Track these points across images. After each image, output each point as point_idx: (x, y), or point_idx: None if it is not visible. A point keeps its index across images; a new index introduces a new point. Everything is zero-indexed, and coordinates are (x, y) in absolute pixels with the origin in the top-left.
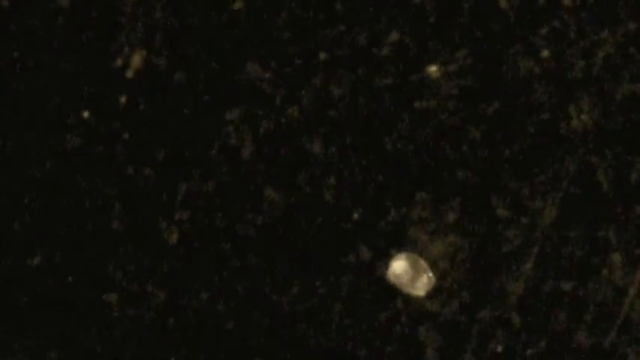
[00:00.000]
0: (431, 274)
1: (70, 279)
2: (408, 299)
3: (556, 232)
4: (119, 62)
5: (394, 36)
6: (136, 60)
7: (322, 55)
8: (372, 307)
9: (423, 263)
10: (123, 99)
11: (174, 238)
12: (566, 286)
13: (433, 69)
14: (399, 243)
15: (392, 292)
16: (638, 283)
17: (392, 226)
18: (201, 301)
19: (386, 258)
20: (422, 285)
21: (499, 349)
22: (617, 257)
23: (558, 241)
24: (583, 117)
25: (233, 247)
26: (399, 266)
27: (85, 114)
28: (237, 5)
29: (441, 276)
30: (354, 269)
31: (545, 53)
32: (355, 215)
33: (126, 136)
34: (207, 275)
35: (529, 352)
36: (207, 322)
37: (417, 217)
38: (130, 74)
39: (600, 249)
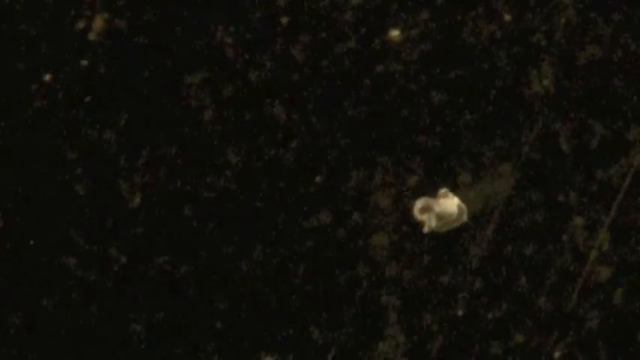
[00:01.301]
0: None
1: (31, 242)
2: (369, 263)
3: (517, 196)
4: (81, 25)
5: (356, 0)
6: (98, 23)
7: (284, 20)
8: (334, 271)
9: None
10: (84, 62)
11: (135, 201)
12: (527, 250)
13: (395, 33)
14: (360, 207)
15: (353, 256)
16: (598, 248)
17: (354, 190)
18: (162, 265)
19: (347, 222)
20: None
21: (460, 312)
22: (578, 221)
23: (519, 206)
24: (544, 82)
25: (194, 210)
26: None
27: (47, 77)
28: None
29: (401, 239)
30: (315, 233)
31: (507, 17)
32: (317, 179)
33: (88, 99)
34: (169, 238)
35: (490, 315)
36: (167, 286)
37: (378, 182)
38: (92, 37)
39: (561, 213)
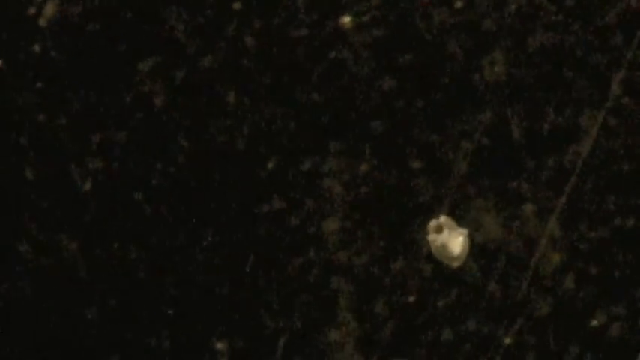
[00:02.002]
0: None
1: None
2: (321, 249)
3: (468, 183)
4: (32, 10)
5: None
6: (50, 8)
7: (236, 5)
8: (285, 257)
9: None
10: (36, 48)
11: (87, 187)
12: (478, 237)
13: (346, 20)
14: (312, 193)
15: (305, 242)
16: (549, 235)
17: (305, 177)
18: (114, 251)
19: (299, 208)
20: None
21: (411, 299)
22: (528, 208)
23: (470, 193)
24: (496, 68)
25: (146, 196)
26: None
27: None
28: None
29: (353, 226)
30: (267, 219)
31: (458, 4)
32: (269, 165)
33: (39, 85)
34: (121, 224)
35: (441, 302)
36: (119, 272)
37: (330, 168)
38: (43, 22)
39: (512, 200)
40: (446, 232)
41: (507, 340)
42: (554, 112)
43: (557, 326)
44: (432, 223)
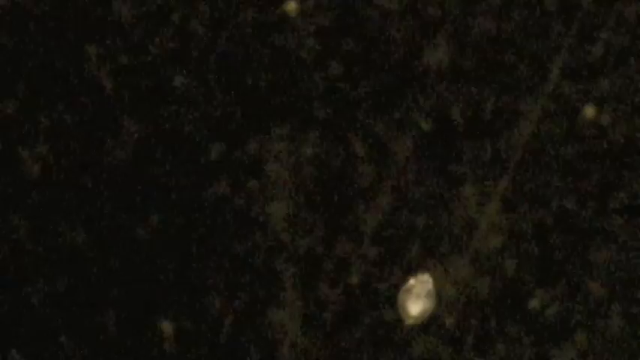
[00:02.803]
0: None
1: None
2: (266, 232)
3: (410, 167)
4: None
5: None
6: None
7: None
8: (230, 239)
9: None
10: None
11: (35, 170)
12: (420, 220)
13: (291, 6)
14: (257, 177)
15: (250, 224)
16: (489, 217)
17: (250, 160)
18: (62, 233)
19: (244, 191)
20: None
21: (355, 280)
22: (469, 191)
23: (412, 176)
24: (438, 53)
25: (93, 179)
26: None
27: None
28: None
29: (297, 209)
30: (212, 202)
31: None
32: (214, 149)
33: None
34: (68, 207)
35: (385, 283)
36: (66, 254)
37: (275, 152)
38: None
39: (453, 183)
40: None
41: (447, 322)
42: (495, 96)
43: (497, 308)
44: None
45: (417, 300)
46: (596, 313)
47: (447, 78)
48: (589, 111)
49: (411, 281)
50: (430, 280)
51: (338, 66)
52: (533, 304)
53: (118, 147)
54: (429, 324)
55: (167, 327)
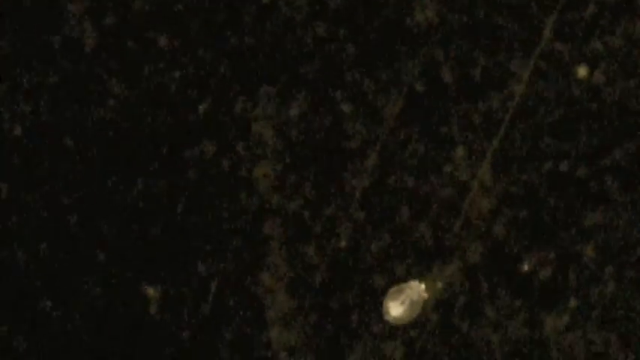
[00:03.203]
0: None
1: None
2: (252, 194)
3: (399, 127)
4: None
5: None
6: None
7: None
8: (217, 201)
9: None
10: None
11: (17, 131)
12: (410, 181)
13: None
14: (243, 137)
15: (236, 186)
16: (480, 179)
17: (237, 121)
18: (44, 195)
19: (231, 152)
20: None
21: (343, 244)
22: (460, 153)
23: (402, 137)
24: (427, 12)
25: (76, 141)
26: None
27: None
28: None
29: (284, 170)
30: (198, 163)
31: None
32: (200, 109)
33: None
34: (50, 169)
35: (373, 246)
36: (50, 216)
37: (261, 112)
38: None
39: (443, 145)
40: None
41: (438, 285)
42: (486, 56)
43: (488, 271)
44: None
45: (403, 304)
46: (589, 278)
47: (437, 37)
48: (582, 71)
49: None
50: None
51: (325, 25)
52: (525, 268)
53: (101, 107)
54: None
55: (153, 292)
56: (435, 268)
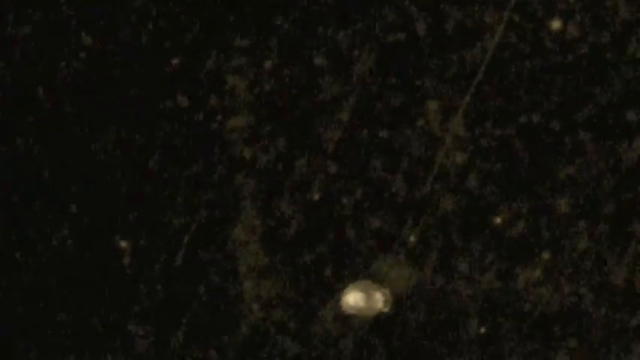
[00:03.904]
0: None
1: None
2: (225, 147)
3: (373, 80)
4: None
5: None
6: None
7: None
8: (189, 155)
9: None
10: None
11: None
12: (383, 134)
13: None
14: (216, 90)
15: (209, 139)
16: (453, 132)
17: (210, 74)
18: (16, 147)
19: (203, 105)
20: None
21: (316, 197)
22: (433, 106)
23: (375, 90)
24: None
25: (49, 92)
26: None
27: None
28: None
29: (257, 123)
30: (171, 116)
31: None
32: (173, 61)
33: None
34: (23, 121)
35: (345, 200)
36: (22, 168)
37: (235, 65)
38: None
39: (416, 98)
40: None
41: (411, 238)
42: (459, 8)
43: (461, 224)
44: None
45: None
46: (561, 231)
47: None
48: (555, 24)
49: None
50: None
51: None
52: (498, 221)
53: (73, 59)
54: (391, 244)
55: (125, 244)
56: (408, 221)
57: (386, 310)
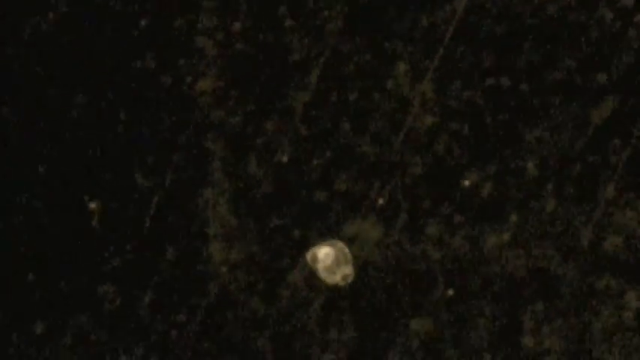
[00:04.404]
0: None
1: None
2: (194, 108)
3: (342, 41)
4: None
5: None
6: None
7: None
8: (158, 117)
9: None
10: None
11: None
12: (352, 96)
13: None
14: (185, 52)
15: (178, 101)
16: (422, 95)
17: (178, 36)
18: None
19: (173, 67)
20: None
21: (285, 159)
22: (402, 68)
23: (344, 51)
24: None
25: (17, 53)
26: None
27: None
28: None
29: (226, 85)
30: (140, 77)
31: None
32: (142, 23)
33: None
34: None
35: (315, 162)
36: None
37: (204, 26)
38: None
39: (386, 59)
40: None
41: (380, 201)
42: None
43: (430, 187)
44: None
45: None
46: (529, 194)
47: None
48: None
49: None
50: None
51: None
52: (466, 183)
53: (43, 20)
54: (360, 206)
55: (93, 206)
56: (376, 184)
57: (353, 271)
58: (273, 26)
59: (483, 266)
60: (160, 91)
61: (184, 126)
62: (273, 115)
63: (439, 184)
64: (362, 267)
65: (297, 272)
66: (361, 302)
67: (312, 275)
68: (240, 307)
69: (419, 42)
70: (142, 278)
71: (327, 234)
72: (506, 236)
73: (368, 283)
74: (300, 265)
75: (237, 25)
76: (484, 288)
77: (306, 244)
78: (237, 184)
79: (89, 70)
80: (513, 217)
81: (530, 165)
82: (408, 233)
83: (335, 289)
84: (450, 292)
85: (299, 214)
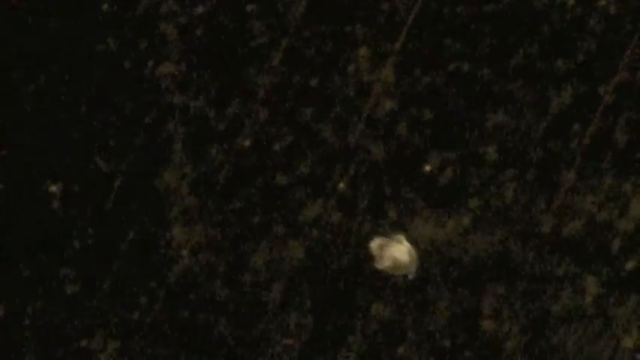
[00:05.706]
0: None
1: None
2: (156, 91)
3: (304, 26)
4: None
5: None
6: None
7: None
8: (119, 100)
9: None
10: None
11: None
12: (313, 81)
13: None
14: (147, 35)
15: (140, 84)
16: (383, 80)
17: (140, 19)
18: None
19: (135, 51)
20: None
21: (246, 143)
22: (363, 52)
23: (306, 36)
24: None
25: None
26: None
27: None
28: None
29: (188, 69)
30: (101, 60)
31: None
32: (104, 6)
33: None
34: None
35: (276, 146)
36: None
37: (166, 11)
38: None
39: (347, 45)
40: (390, 247)
41: (341, 185)
42: None
43: (391, 171)
44: (376, 242)
45: None
46: (490, 178)
47: None
48: None
49: None
50: None
51: None
52: (427, 168)
53: (4, 2)
54: (321, 191)
55: (55, 189)
56: (338, 168)
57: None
58: (235, 11)
59: (444, 250)
60: (121, 75)
61: (146, 110)
62: (235, 99)
63: (400, 169)
64: (322, 250)
65: (258, 255)
66: (323, 286)
67: (274, 256)
68: (201, 290)
69: (381, 27)
70: (104, 261)
71: (288, 218)
72: (466, 221)
73: (329, 267)
74: (261, 248)
75: (199, 10)
76: (444, 272)
77: (268, 228)
78: (199, 168)
79: (51, 53)
80: (474, 202)
81: (490, 150)
82: (369, 218)
83: (296, 272)
84: (410, 276)
85: (260, 198)
